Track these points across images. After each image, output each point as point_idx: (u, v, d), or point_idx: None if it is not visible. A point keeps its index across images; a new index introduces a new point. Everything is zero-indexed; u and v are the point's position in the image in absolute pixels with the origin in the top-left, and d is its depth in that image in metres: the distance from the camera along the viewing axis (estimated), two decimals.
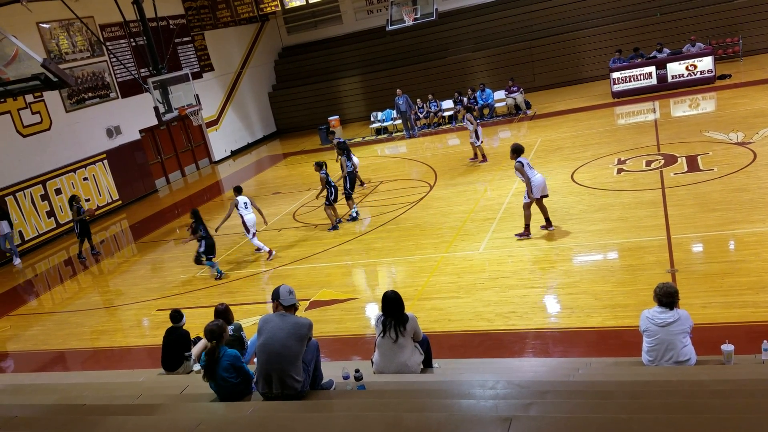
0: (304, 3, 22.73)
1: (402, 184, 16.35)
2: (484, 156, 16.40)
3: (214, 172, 23.88)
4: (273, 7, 23.16)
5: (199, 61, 24.68)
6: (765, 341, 5.64)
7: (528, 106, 21.58)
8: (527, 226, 10.80)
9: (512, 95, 21.60)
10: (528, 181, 10.44)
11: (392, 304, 6.07)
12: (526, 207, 10.66)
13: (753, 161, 12.12)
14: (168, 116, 15.52)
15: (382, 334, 6.07)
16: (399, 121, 22.79)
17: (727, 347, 5.60)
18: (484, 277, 9.71)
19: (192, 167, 24.15)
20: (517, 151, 10.62)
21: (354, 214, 13.97)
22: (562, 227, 10.98)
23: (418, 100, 22.65)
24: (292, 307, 5.47)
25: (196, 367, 7.46)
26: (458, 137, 20.61)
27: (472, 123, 16.19)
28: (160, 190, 22.08)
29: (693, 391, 4.74)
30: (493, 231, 11.49)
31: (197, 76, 23.40)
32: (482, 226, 11.84)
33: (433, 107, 22.51)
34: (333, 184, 13.42)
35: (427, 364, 6.33)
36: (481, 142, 16.39)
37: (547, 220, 10.84)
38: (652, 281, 6.83)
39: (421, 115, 22.60)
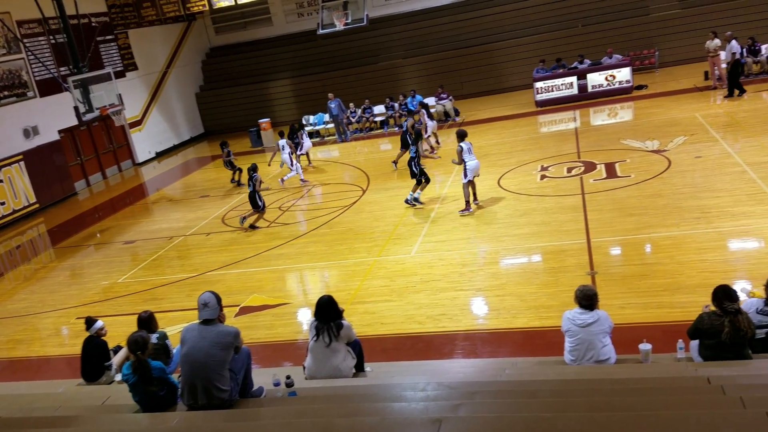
0: (233, 3, 22.37)
1: (335, 188, 16.33)
2: (432, 148, 17.68)
3: (138, 174, 23.11)
4: (200, 7, 22.69)
5: (123, 60, 23.86)
6: (680, 340, 5.93)
7: (457, 113, 21.99)
8: (467, 203, 12.32)
9: (441, 102, 21.96)
10: (463, 164, 12.05)
11: (326, 309, 6.05)
12: (465, 186, 12.22)
13: (668, 168, 12.78)
14: (89, 116, 14.97)
15: (315, 338, 6.05)
16: (331, 125, 22.76)
17: (645, 346, 5.85)
18: (416, 280, 9.83)
19: (114, 169, 23.28)
20: (460, 135, 12.32)
21: (409, 197, 13.43)
22: (490, 231, 11.26)
23: (351, 104, 22.68)
24: (214, 319, 5.26)
25: (118, 377, 7.19)
26: (390, 142, 20.76)
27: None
28: (80, 192, 21.16)
29: (613, 390, 4.95)
30: (425, 235, 11.65)
31: (120, 75, 22.61)
32: (414, 230, 11.98)
33: (367, 113, 22.61)
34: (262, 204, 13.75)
35: (359, 368, 6.35)
36: (428, 135, 17.65)
37: (474, 194, 12.58)
38: (574, 283, 7.10)
39: (353, 120, 22.64)
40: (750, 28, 20.49)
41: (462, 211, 12.32)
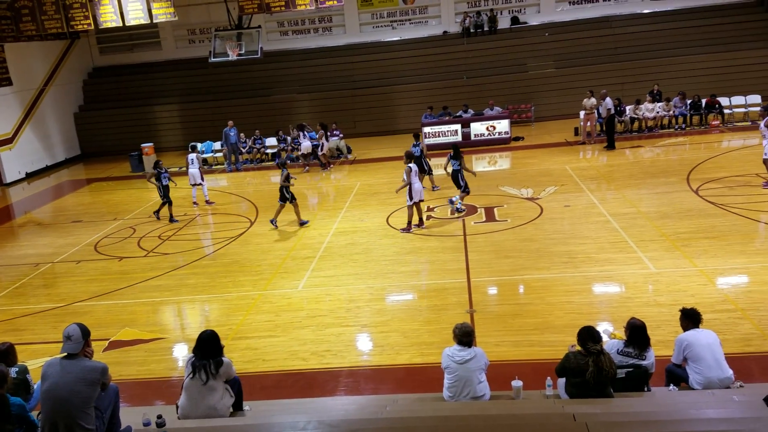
0: (120, 24, 21.49)
1: (221, 218, 15.95)
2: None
3: (5, 195, 21.41)
4: (85, 26, 21.56)
5: None
6: (548, 378, 6.28)
7: (349, 150, 22.31)
8: (409, 224, 13.16)
9: (333, 138, 22.19)
10: (409, 186, 12.73)
11: (208, 344, 5.82)
12: (409, 208, 13.05)
13: (540, 215, 13.63)
14: None
15: (191, 375, 5.80)
16: (219, 154, 22.38)
17: (517, 383, 6.13)
18: (302, 316, 9.75)
19: None
20: (409, 156, 13.35)
21: (458, 205, 14.26)
22: (377, 268, 11.42)
23: (242, 134, 22.43)
24: (78, 354, 4.99)
25: None
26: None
27: None
28: None
29: (486, 426, 5.15)
30: (313, 269, 11.62)
31: None
32: (302, 264, 11.92)
33: (257, 144, 22.41)
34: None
35: (238, 407, 6.16)
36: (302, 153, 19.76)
37: (420, 219, 13.38)
38: (454, 320, 7.34)
39: (243, 150, 22.35)
40: (615, 89, 22.51)
41: (403, 230, 13.19)
